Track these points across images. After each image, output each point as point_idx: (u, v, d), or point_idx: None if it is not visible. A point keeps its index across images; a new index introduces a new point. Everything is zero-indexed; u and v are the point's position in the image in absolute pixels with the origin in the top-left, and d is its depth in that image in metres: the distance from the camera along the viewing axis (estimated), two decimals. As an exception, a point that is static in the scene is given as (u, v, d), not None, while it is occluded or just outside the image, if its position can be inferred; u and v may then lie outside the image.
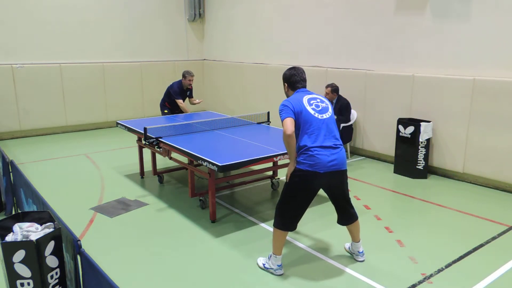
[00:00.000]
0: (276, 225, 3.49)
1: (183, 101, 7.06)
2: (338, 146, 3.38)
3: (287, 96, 3.62)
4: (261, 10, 9.22)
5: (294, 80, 3.57)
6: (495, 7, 5.40)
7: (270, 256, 3.60)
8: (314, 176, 3.28)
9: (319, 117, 3.38)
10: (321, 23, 7.81)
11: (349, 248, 3.88)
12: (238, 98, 10.08)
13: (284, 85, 3.65)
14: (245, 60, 9.82)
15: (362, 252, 3.78)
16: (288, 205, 3.44)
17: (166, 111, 7.15)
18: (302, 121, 3.34)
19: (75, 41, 9.16)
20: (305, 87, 3.60)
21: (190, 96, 7.23)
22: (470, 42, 5.71)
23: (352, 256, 3.82)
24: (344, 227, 3.77)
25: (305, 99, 3.44)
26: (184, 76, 6.97)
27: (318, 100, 3.49)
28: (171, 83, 7.11)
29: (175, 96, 6.94)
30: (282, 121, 3.31)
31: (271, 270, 3.57)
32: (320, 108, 3.43)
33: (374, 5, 6.86)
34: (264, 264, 3.63)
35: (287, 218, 3.45)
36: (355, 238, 3.74)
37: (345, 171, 3.45)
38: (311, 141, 3.30)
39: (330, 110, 3.50)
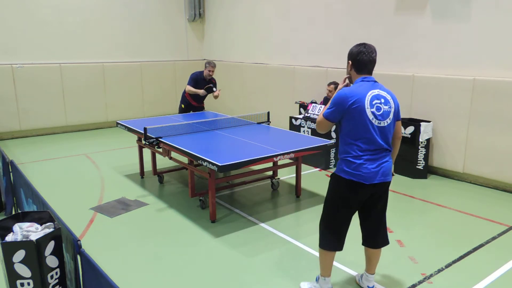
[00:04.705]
0: (321, 246, 3.12)
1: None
2: (386, 156, 2.98)
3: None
4: (261, 10, 9.21)
5: (361, 59, 2.98)
6: (495, 7, 5.40)
7: (318, 278, 3.24)
8: (358, 186, 2.91)
9: (377, 123, 2.89)
10: (321, 23, 7.81)
11: (359, 280, 3.41)
12: (238, 98, 10.08)
13: (348, 62, 3.08)
14: (245, 60, 9.82)
15: (373, 287, 3.32)
16: (331, 219, 3.07)
17: (183, 105, 7.06)
18: (355, 123, 2.88)
19: (75, 41, 9.16)
20: (371, 72, 3.02)
21: (214, 90, 6.84)
22: (470, 42, 5.71)
23: None
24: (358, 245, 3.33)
25: (368, 96, 2.88)
26: (205, 66, 6.92)
27: (382, 101, 2.92)
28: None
29: (188, 82, 6.81)
30: (324, 113, 2.96)
31: None
32: (381, 111, 2.90)
33: (374, 5, 6.86)
34: None
35: (332, 235, 3.07)
36: (371, 269, 3.29)
37: (389, 182, 3.05)
38: (360, 149, 2.89)
39: (391, 115, 2.96)
